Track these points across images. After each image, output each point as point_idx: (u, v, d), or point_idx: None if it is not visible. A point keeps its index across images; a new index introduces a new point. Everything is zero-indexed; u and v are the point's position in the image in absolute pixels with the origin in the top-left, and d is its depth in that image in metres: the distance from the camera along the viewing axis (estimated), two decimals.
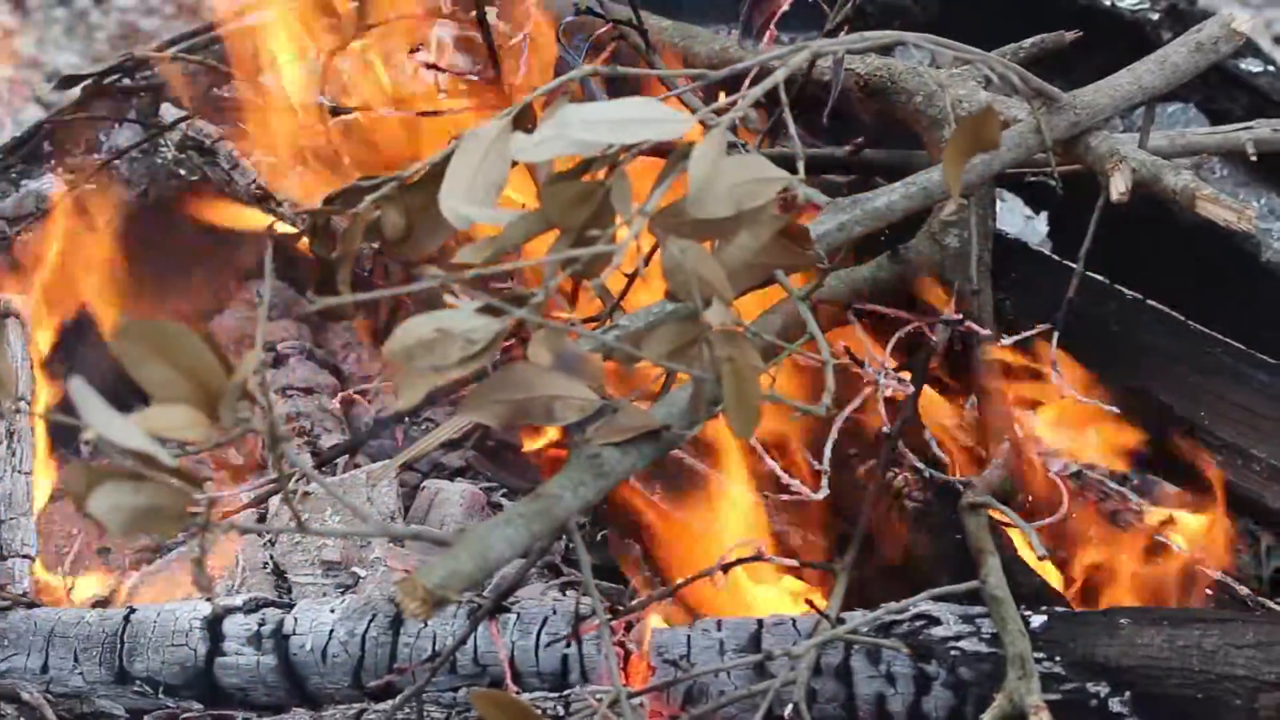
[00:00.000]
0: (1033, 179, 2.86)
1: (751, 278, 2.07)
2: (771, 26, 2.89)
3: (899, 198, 2.48)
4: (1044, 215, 3.50)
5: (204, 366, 1.81)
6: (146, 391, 1.82)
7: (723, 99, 2.11)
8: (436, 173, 1.96)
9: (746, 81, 2.22)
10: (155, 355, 1.80)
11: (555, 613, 2.65)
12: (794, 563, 2.68)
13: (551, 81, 2.04)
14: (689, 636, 2.62)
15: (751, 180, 1.94)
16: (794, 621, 2.62)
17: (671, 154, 1.94)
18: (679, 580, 2.66)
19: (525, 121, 2.00)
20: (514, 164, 1.94)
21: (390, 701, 2.58)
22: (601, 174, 1.92)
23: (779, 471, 2.55)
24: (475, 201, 1.88)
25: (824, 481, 2.53)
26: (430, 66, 3.13)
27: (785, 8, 2.91)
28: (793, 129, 2.09)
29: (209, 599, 2.76)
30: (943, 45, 2.31)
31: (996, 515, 2.61)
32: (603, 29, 2.98)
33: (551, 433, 3.01)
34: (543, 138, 1.87)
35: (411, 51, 3.11)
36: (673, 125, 1.89)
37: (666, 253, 1.89)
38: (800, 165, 2.04)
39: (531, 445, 3.03)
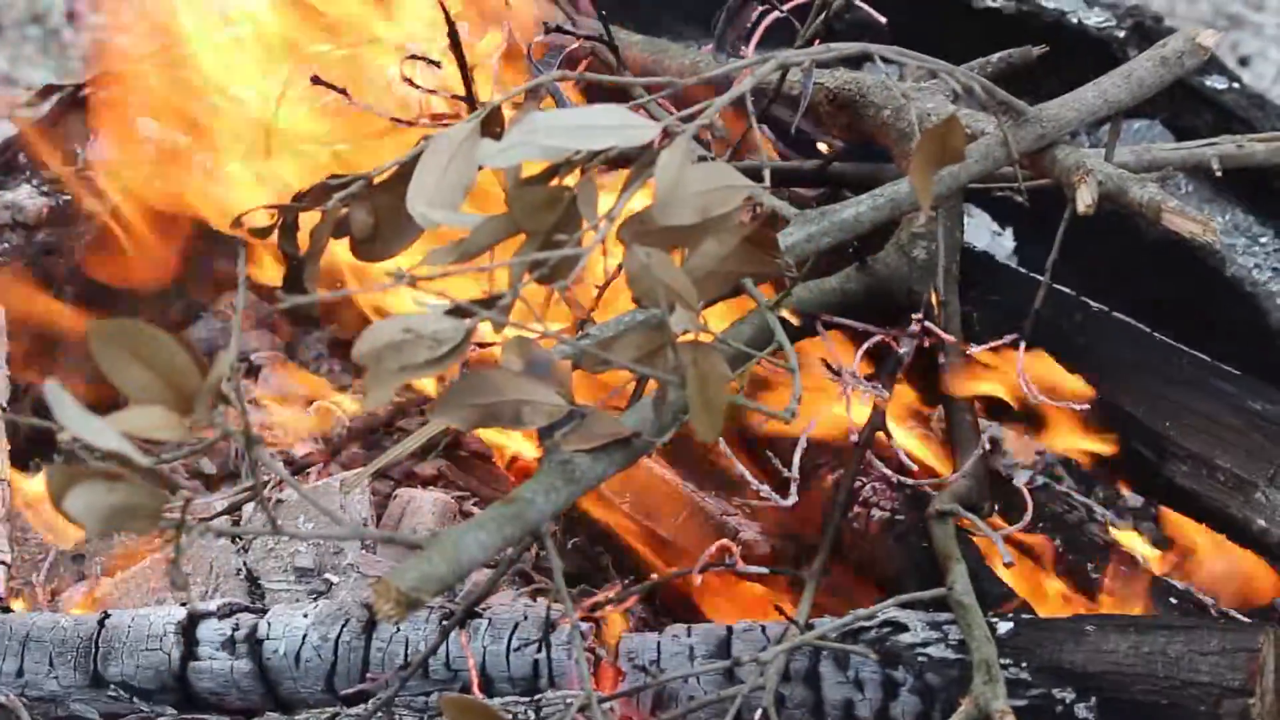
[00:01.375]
0: (1000, 193, 2.87)
1: (719, 286, 2.09)
2: (750, 46, 2.90)
3: (867, 209, 2.49)
4: (1010, 231, 3.52)
5: (178, 368, 1.82)
6: (122, 393, 1.84)
7: None
8: (405, 173, 1.97)
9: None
10: (130, 357, 1.81)
11: (526, 618, 2.66)
12: (764, 570, 2.70)
13: (521, 85, 2.06)
14: (659, 642, 2.63)
15: (718, 188, 1.96)
16: (763, 628, 2.63)
17: (637, 161, 1.96)
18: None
19: (493, 127, 2.02)
20: (481, 168, 1.95)
21: (363, 706, 2.59)
22: (569, 179, 1.94)
23: (749, 477, 2.56)
24: (442, 204, 1.89)
25: (793, 489, 2.55)
26: (407, 81, 3.15)
27: (762, 24, 2.91)
28: (759, 139, 2.11)
29: (183, 604, 2.77)
30: (910, 58, 2.33)
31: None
32: (574, 45, 3.00)
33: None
34: (509, 143, 1.88)
35: (407, 58, 3.12)
36: (639, 131, 1.91)
37: (631, 259, 1.91)
38: (766, 175, 2.06)
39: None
